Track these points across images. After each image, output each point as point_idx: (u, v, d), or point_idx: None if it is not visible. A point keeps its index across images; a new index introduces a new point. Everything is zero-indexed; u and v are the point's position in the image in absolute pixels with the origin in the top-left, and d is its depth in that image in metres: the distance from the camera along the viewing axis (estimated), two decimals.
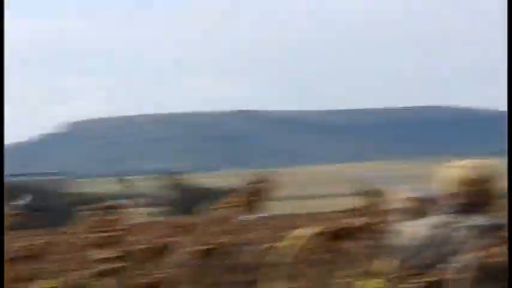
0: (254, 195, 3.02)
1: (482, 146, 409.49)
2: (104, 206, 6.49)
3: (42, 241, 16.73)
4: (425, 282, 3.91)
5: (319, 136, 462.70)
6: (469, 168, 4.52)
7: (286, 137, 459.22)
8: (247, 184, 3.10)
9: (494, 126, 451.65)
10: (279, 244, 6.02)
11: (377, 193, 4.54)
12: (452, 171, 4.50)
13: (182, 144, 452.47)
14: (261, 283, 3.00)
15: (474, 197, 4.37)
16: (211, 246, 4.28)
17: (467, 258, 3.96)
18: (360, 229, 2.88)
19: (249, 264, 4.07)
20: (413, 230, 4.35)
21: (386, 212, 4.46)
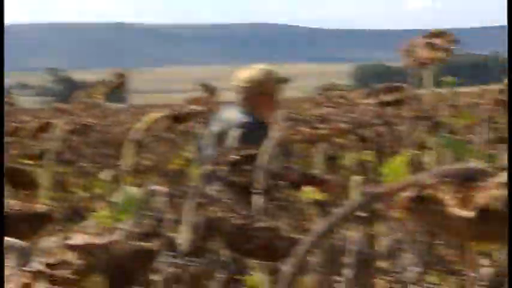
0: (117, 87, 3.05)
1: (294, 56, 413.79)
2: None
3: None
4: None
5: (180, 44, 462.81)
6: (255, 70, 4.47)
7: (153, 46, 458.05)
8: (112, 78, 3.12)
9: (308, 41, 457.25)
10: (134, 125, 6.15)
11: (212, 89, 4.69)
12: (243, 72, 4.53)
13: (65, 47, 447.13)
14: (121, 156, 3.09)
15: (249, 93, 4.39)
16: (82, 126, 4.33)
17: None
18: (198, 114, 2.95)
19: (112, 141, 4.14)
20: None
21: (217, 103, 4.60)
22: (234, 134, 4.19)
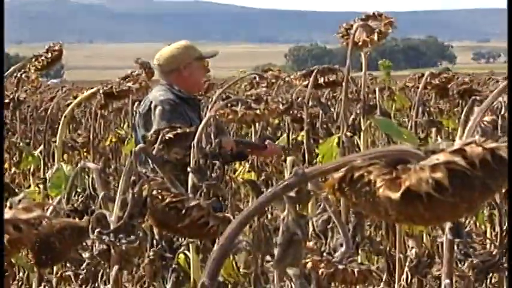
0: (52, 62, 2.98)
1: (229, 36, 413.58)
2: None
3: None
4: None
5: (114, 21, 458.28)
6: (169, 47, 4.44)
7: (92, 22, 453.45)
8: (47, 53, 3.05)
9: (243, 20, 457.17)
10: (69, 102, 6.07)
11: (147, 65, 4.65)
12: (161, 50, 4.50)
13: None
14: (57, 131, 3.02)
15: (164, 70, 4.36)
16: (14, 101, 4.23)
17: None
18: (132, 91, 2.91)
19: (49, 116, 4.07)
20: None
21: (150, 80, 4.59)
22: (156, 112, 4.17)
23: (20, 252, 1.07)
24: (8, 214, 0.91)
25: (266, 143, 4.49)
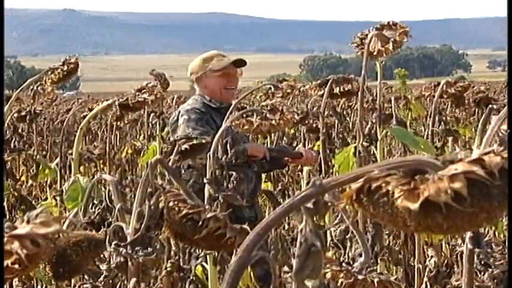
0: (68, 74, 2.98)
1: (244, 46, 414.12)
2: None
3: None
4: None
5: (129, 33, 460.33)
6: (198, 58, 4.49)
7: (103, 32, 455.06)
8: (63, 65, 3.05)
9: (258, 31, 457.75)
10: (85, 114, 6.07)
11: (162, 77, 4.66)
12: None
13: (12, 34, 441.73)
14: (73, 143, 3.04)
15: (194, 79, 4.45)
16: (31, 114, 4.23)
17: None
18: (146, 103, 2.91)
19: (65, 128, 4.08)
20: None
21: (165, 91, 4.62)
22: (180, 121, 4.26)
23: (38, 267, 1.07)
24: (25, 229, 0.91)
25: (301, 150, 4.50)
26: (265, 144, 4.78)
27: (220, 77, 4.36)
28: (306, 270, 0.92)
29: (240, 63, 4.44)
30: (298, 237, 0.97)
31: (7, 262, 0.88)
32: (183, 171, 4.05)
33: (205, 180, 2.18)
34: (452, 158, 0.83)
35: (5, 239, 0.89)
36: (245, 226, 1.43)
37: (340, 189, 0.88)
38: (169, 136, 4.50)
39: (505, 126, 1.62)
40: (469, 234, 1.14)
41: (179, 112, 4.34)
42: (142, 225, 1.47)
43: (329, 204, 0.95)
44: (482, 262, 1.43)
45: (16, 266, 0.89)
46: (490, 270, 1.44)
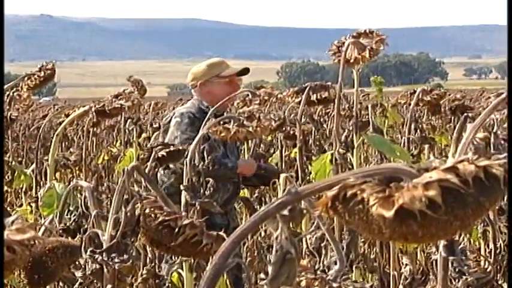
0: (45, 80, 2.96)
1: (222, 52, 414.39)
2: None
3: None
4: None
5: (107, 39, 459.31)
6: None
7: (80, 38, 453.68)
8: (40, 71, 3.03)
9: (236, 37, 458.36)
10: (61, 120, 6.04)
11: (139, 83, 4.65)
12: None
13: None
14: (49, 150, 3.02)
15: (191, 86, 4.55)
16: (6, 120, 4.21)
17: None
18: (123, 109, 2.90)
19: (41, 134, 4.05)
20: None
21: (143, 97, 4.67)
22: (172, 123, 4.31)
23: (13, 274, 1.07)
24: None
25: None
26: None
27: (226, 84, 4.40)
28: (281, 277, 0.92)
29: (245, 72, 4.53)
30: (274, 244, 0.97)
31: None
32: (162, 172, 4.06)
33: (181, 187, 2.18)
34: (427, 166, 0.84)
35: None
36: (221, 233, 1.43)
37: (316, 197, 0.88)
38: (158, 136, 4.53)
39: (480, 135, 1.64)
40: (443, 242, 1.15)
41: (174, 113, 4.38)
42: (118, 232, 1.47)
43: (305, 211, 0.96)
44: (457, 270, 1.44)
45: None
46: (465, 277, 1.45)
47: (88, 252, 1.50)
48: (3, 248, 0.89)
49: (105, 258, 1.46)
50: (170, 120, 4.34)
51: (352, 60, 2.34)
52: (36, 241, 0.94)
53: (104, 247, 1.49)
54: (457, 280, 1.65)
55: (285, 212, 0.91)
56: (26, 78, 3.29)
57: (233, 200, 4.29)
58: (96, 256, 1.48)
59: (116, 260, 1.46)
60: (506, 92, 1.21)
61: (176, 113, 4.35)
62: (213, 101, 4.36)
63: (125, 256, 1.46)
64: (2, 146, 3.13)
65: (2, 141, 3.42)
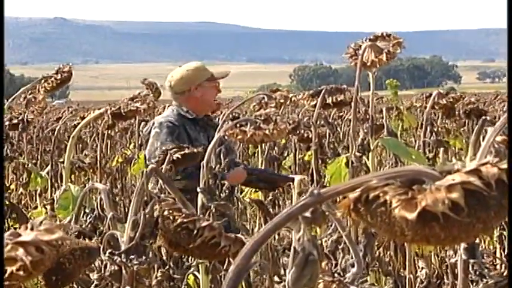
0: (60, 83, 2.96)
1: (235, 55, 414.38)
2: None
3: None
4: None
5: (120, 42, 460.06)
6: (179, 69, 4.42)
7: (94, 41, 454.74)
8: (53, 74, 3.03)
9: (249, 41, 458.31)
10: (76, 122, 6.05)
11: (154, 86, 4.65)
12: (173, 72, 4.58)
13: (7, 44, 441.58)
14: (64, 151, 3.00)
15: (173, 91, 4.34)
16: (22, 122, 4.21)
17: None
18: (139, 111, 2.90)
19: (56, 136, 4.06)
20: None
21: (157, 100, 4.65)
22: (151, 133, 4.21)
23: (41, 274, 1.07)
24: (30, 236, 0.91)
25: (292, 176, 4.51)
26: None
27: (213, 88, 4.37)
28: (303, 279, 0.92)
29: (227, 75, 4.55)
30: (291, 247, 0.97)
31: (12, 269, 0.88)
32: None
33: (198, 190, 2.18)
34: (450, 168, 0.84)
35: (10, 246, 0.89)
36: (240, 235, 1.43)
37: (338, 199, 0.88)
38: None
39: (498, 138, 1.63)
40: (463, 244, 1.15)
41: (153, 123, 4.28)
42: (137, 234, 1.47)
43: (326, 213, 0.96)
44: (477, 272, 1.43)
45: (21, 272, 0.89)
46: (485, 280, 1.44)
47: (107, 254, 1.50)
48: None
49: (124, 260, 1.47)
50: (150, 131, 4.25)
51: (369, 64, 2.34)
52: (65, 242, 0.94)
53: (123, 249, 1.49)
54: (475, 283, 1.64)
55: (307, 214, 0.91)
56: (43, 81, 3.30)
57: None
58: (115, 257, 1.48)
59: (135, 262, 1.46)
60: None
61: (155, 123, 4.26)
62: (198, 106, 4.30)
63: (144, 258, 1.47)
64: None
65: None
